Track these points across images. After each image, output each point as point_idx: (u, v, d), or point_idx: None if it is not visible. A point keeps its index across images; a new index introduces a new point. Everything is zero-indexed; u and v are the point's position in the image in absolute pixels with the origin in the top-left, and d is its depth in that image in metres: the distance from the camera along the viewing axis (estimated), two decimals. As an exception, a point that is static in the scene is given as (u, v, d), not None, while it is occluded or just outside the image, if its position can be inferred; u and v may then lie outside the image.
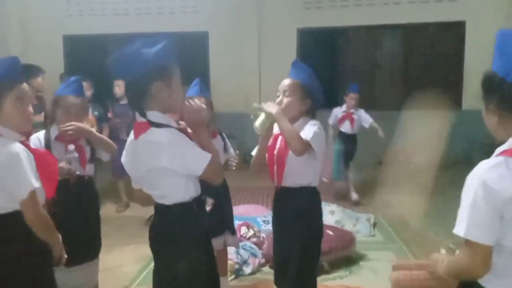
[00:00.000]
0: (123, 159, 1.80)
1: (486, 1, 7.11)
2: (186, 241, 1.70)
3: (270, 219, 2.69)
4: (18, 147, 1.68)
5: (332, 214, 4.48)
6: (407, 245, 3.96)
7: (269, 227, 3.44)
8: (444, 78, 7.57)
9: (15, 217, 1.68)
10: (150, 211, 5.23)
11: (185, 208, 1.70)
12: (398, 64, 7.83)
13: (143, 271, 3.52)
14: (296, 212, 2.17)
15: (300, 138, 2.03)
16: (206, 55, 8.01)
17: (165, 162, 1.60)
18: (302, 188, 2.18)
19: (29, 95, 1.79)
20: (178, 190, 1.69)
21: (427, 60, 7.61)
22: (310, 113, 2.23)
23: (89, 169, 2.56)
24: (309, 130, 2.10)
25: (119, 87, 4.76)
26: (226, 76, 7.74)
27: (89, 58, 7.89)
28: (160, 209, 1.73)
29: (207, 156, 1.64)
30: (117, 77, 1.33)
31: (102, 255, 2.74)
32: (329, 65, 7.89)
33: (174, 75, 1.68)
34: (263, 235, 3.79)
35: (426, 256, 3.75)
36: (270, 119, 2.11)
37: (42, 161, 1.76)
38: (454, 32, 7.43)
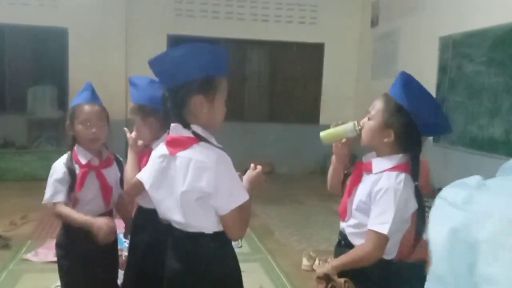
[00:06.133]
0: (144, 176, 1.60)
1: (342, 27, 7.87)
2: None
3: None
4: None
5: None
6: (272, 256, 4.07)
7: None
8: (305, 94, 8.16)
9: None
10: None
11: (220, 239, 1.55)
12: (265, 79, 8.18)
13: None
14: None
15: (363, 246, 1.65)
16: (66, 54, 7.31)
17: (209, 187, 1.42)
18: None
19: None
20: (213, 219, 1.50)
21: (290, 77, 8.11)
22: (404, 150, 1.65)
23: None
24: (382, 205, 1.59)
25: None
26: (88, 78, 7.06)
27: None
28: (181, 237, 1.54)
29: (244, 196, 1.46)
30: (161, 82, 1.15)
31: None
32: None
33: (220, 90, 1.51)
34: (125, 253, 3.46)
35: (290, 266, 3.92)
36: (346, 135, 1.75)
37: None
38: (315, 53, 8.05)
